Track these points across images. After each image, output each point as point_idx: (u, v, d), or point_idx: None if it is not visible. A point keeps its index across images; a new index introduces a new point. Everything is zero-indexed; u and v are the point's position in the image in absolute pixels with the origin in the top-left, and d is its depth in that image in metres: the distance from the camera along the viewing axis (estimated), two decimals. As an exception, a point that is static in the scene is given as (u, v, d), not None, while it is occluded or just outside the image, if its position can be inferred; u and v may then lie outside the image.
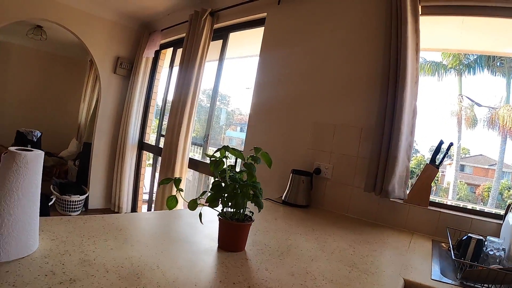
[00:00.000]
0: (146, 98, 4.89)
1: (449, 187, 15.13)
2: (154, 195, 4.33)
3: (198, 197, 1.17)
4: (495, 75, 14.14)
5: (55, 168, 6.16)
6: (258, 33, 3.22)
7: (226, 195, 1.16)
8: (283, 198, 2.37)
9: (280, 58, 2.91)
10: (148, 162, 5.35)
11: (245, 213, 1.22)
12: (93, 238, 1.13)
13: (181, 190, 1.19)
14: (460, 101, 15.00)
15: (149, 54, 4.62)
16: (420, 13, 2.16)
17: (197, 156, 4.08)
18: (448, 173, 16.07)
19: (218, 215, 1.20)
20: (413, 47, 2.12)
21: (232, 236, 1.20)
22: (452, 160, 15.31)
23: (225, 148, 1.16)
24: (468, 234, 1.51)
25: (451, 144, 2.21)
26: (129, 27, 4.94)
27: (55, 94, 7.35)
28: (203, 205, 1.18)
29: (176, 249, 1.17)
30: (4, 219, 0.87)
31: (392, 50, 2.12)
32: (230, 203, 1.17)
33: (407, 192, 2.12)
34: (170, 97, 4.18)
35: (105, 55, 4.77)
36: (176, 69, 3.95)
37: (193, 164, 3.73)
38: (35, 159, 0.92)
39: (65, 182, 5.19)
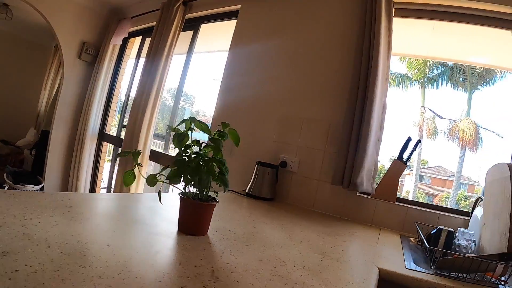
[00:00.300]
0: (110, 87, 4.67)
1: (407, 196, 15.63)
2: (112, 190, 4.13)
3: (158, 173, 1.06)
4: (458, 89, 14.78)
5: (10, 157, 5.79)
6: (228, 27, 3.15)
7: (189, 171, 1.06)
8: (246, 190, 2.29)
9: (250, 52, 2.84)
10: (108, 158, 5.11)
11: (209, 194, 1.12)
12: (38, 212, 1.00)
13: (140, 165, 1.08)
14: (423, 112, 15.56)
15: (116, 41, 4.42)
16: (393, 14, 2.17)
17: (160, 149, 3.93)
18: (407, 183, 16.58)
19: (179, 194, 1.10)
20: (385, 44, 2.12)
21: (194, 218, 1.10)
22: (412, 170, 15.85)
23: (192, 119, 1.06)
24: (438, 227, 1.49)
25: (418, 141, 2.22)
26: (98, 12, 4.71)
27: (15, 79, 6.86)
28: (163, 182, 1.07)
29: (131, 230, 1.06)
30: None
31: (365, 47, 2.12)
32: (193, 181, 1.07)
33: (375, 187, 2.10)
34: (133, 92, 4.00)
35: (71, 38, 4.52)
36: (142, 61, 3.79)
37: (155, 156, 3.58)
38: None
39: (20, 171, 4.87)
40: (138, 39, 4.63)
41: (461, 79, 14.47)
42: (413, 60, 14.27)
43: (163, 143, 3.81)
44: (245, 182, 2.38)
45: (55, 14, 4.35)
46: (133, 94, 4.13)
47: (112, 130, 4.76)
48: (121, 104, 4.88)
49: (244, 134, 2.53)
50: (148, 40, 4.03)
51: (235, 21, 3.02)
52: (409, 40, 3.23)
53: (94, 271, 0.71)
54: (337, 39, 2.37)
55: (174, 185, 1.08)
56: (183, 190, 1.10)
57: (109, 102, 4.69)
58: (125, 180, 1.06)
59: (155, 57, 3.45)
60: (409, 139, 2.21)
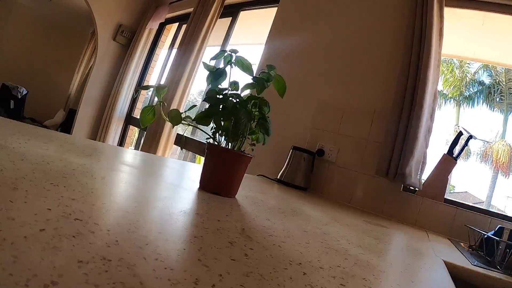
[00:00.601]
0: (142, 71, 4.57)
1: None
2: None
3: (185, 111, 0.86)
4: (493, 110, 14.07)
5: (35, 136, 5.76)
6: (266, 15, 2.96)
7: (223, 112, 0.84)
8: (278, 177, 2.06)
9: (290, 38, 2.63)
10: (133, 142, 5.00)
11: (242, 149, 0.91)
12: (29, 137, 0.81)
13: (163, 103, 0.88)
14: (456, 131, 14.83)
15: (153, 25, 4.33)
16: (444, 1, 1.95)
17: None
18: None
19: (206, 139, 0.89)
20: (437, 30, 1.91)
21: (222, 172, 0.88)
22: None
23: (233, 51, 0.85)
24: (499, 226, 1.25)
25: (470, 137, 1.94)
26: None
27: (50, 61, 6.91)
28: (189, 124, 0.86)
29: (140, 177, 0.86)
30: None
31: (416, 30, 1.91)
32: (224, 131, 0.85)
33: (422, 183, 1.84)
34: (163, 81, 3.84)
35: (107, 19, 4.48)
36: (175, 51, 3.66)
37: (180, 141, 3.40)
38: None
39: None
40: (174, 27, 4.53)
41: (498, 99, 13.83)
42: (450, 77, 13.75)
43: (190, 128, 3.63)
44: (276, 170, 2.16)
45: None
46: (163, 82, 3.99)
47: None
48: (151, 90, 4.76)
49: (279, 120, 2.33)
50: (184, 28, 3.90)
51: (275, 8, 2.83)
52: (456, 37, 2.97)
53: (67, 193, 0.51)
54: (385, 23, 2.15)
55: (202, 129, 0.86)
56: (212, 136, 0.88)
57: (139, 85, 4.59)
58: (142, 118, 0.86)
59: (189, 45, 3.30)
60: (460, 134, 1.95)
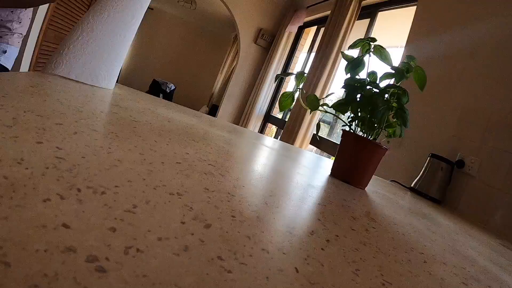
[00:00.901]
0: (282, 72, 4.79)
1: None
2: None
3: (322, 97, 0.89)
4: None
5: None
6: (404, 17, 2.78)
7: (361, 100, 0.85)
8: (412, 185, 1.94)
9: (431, 37, 2.43)
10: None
11: (377, 140, 0.90)
12: (178, 111, 0.95)
13: (302, 89, 0.93)
14: None
15: (292, 29, 4.50)
16: None
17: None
18: None
19: (342, 126, 0.91)
20: None
21: (354, 160, 0.89)
22: None
23: (371, 39, 0.86)
24: None
25: None
26: (275, 2, 4.93)
27: (196, 62, 8.04)
28: (326, 111, 0.89)
29: (276, 155, 0.92)
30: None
31: None
32: (363, 112, 0.86)
33: None
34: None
35: (248, 24, 4.86)
36: (313, 55, 3.73)
37: (316, 141, 3.44)
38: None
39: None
40: (313, 30, 4.61)
41: None
42: None
43: (327, 130, 3.66)
44: (409, 178, 2.03)
45: (237, 3, 4.75)
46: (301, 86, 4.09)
47: (279, 113, 4.88)
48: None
49: (416, 124, 2.18)
50: (322, 31, 3.96)
51: (414, 7, 2.65)
52: None
53: (205, 148, 0.58)
54: None
55: (339, 117, 0.89)
56: (348, 123, 0.90)
57: (279, 86, 4.82)
58: (281, 102, 0.93)
59: (327, 49, 3.32)
60: None
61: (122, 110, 0.68)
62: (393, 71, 0.86)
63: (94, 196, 0.26)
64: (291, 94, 0.94)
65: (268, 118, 4.80)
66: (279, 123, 4.59)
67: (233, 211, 0.35)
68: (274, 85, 4.72)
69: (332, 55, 3.27)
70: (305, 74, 0.95)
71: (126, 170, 0.35)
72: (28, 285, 0.14)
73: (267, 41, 4.97)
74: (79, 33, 0.87)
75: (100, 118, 0.55)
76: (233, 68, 5.64)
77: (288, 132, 3.44)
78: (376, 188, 1.09)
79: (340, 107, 0.87)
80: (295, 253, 0.30)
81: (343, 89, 0.87)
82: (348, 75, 0.90)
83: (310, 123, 3.30)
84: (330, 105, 0.90)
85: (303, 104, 0.94)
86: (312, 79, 3.34)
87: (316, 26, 4.54)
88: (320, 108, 0.90)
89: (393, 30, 3.72)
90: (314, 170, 0.92)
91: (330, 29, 3.39)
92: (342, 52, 0.93)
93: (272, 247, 0.29)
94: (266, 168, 0.67)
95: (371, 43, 0.86)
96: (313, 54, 4.04)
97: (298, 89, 0.93)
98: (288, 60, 4.80)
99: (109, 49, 0.90)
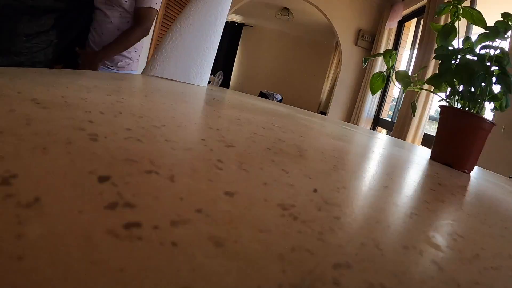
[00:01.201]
0: (387, 73, 4.53)
1: None
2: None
3: (413, 75, 0.81)
4: None
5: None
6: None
7: (456, 69, 0.75)
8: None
9: None
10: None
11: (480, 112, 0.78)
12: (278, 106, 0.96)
13: (393, 69, 0.86)
14: None
15: (391, 25, 4.23)
16: None
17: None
18: None
19: (439, 101, 0.81)
20: None
21: (457, 139, 0.78)
22: None
23: (458, 1, 0.75)
24: None
25: None
26: (370, 0, 4.70)
27: (300, 72, 8.13)
28: (420, 88, 0.81)
29: (374, 139, 0.86)
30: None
31: None
32: (460, 81, 0.75)
33: None
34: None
35: (347, 27, 4.72)
36: (416, 51, 3.42)
37: (428, 141, 3.15)
38: None
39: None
40: (414, 23, 4.27)
41: None
42: None
43: (435, 126, 3.33)
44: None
45: (332, 7, 4.65)
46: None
47: (387, 115, 4.62)
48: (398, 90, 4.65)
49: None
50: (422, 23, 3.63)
51: None
52: None
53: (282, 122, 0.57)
54: None
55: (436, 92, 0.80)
56: (446, 99, 0.80)
57: (386, 87, 4.56)
58: (372, 85, 0.87)
59: (428, 42, 3.02)
60: None
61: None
62: (488, 32, 0.74)
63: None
64: (382, 74, 0.87)
65: (377, 121, 4.56)
66: (388, 125, 4.31)
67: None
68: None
69: (434, 48, 2.95)
70: (395, 52, 0.88)
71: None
72: None
73: (368, 41, 4.76)
74: (169, 38, 0.96)
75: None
76: (338, 73, 5.53)
77: (397, 134, 3.22)
78: (486, 176, 0.94)
79: (434, 80, 0.78)
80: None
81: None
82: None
83: (420, 122, 3.03)
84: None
85: (395, 83, 0.87)
86: (419, 67, 3.08)
87: (415, 19, 4.19)
88: (413, 86, 0.82)
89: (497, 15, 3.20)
90: (414, 153, 0.84)
91: (429, 19, 3.08)
92: (432, 24, 0.84)
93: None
94: (353, 145, 0.63)
95: (459, 5, 0.75)
96: (416, 51, 3.72)
97: (390, 70, 0.87)
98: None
99: (197, 50, 0.96)
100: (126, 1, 1.46)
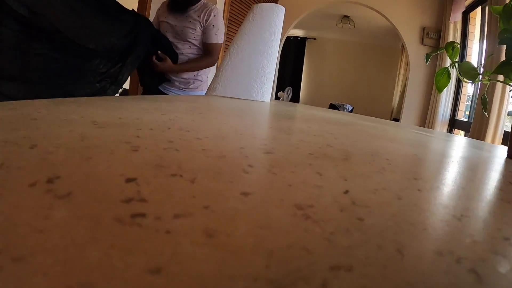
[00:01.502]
0: (452, 67, 4.15)
1: None
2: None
3: (480, 64, 0.74)
4: None
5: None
6: None
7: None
8: None
9: None
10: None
11: None
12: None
13: (457, 63, 0.79)
14: None
15: (456, 17, 3.87)
16: None
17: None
18: None
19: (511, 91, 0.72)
20: None
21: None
22: None
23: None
24: None
25: None
26: None
27: (368, 80, 7.79)
28: (489, 79, 0.73)
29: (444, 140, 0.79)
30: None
31: None
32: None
33: None
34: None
35: (410, 27, 4.43)
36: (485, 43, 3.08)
37: (506, 139, 2.80)
38: None
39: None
40: (479, 13, 3.86)
41: None
42: None
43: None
44: None
45: (392, 9, 4.40)
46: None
47: (464, 116, 4.23)
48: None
49: None
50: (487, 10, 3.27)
51: None
52: None
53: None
54: None
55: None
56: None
57: (458, 87, 4.20)
58: (437, 82, 0.80)
59: (497, 31, 2.71)
60: None
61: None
62: None
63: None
64: (446, 69, 0.81)
65: (453, 123, 4.18)
66: (465, 126, 3.93)
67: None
68: (453, 87, 4.11)
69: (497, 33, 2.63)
70: (457, 44, 0.80)
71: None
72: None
73: (434, 39, 4.41)
74: (228, 59, 0.99)
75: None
76: (407, 76, 5.21)
77: (474, 134, 2.92)
78: None
79: (502, 68, 0.69)
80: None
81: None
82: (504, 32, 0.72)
83: (498, 119, 2.71)
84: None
85: (460, 77, 0.79)
86: (486, 68, 2.77)
87: (480, 7, 3.79)
88: (480, 78, 0.74)
89: None
90: (488, 151, 0.75)
91: (494, 3, 2.76)
92: (492, 7, 0.75)
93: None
94: (412, 146, 0.59)
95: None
96: (485, 42, 3.36)
97: (453, 63, 0.79)
98: (462, 53, 4.12)
99: (256, 67, 0.98)
100: (194, 37, 1.69)
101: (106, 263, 0.13)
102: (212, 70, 1.80)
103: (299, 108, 1.08)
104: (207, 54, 1.70)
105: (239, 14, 3.08)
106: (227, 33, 2.91)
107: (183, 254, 0.14)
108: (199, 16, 1.65)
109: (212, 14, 1.66)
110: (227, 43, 2.89)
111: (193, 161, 0.27)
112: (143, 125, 0.40)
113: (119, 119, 0.42)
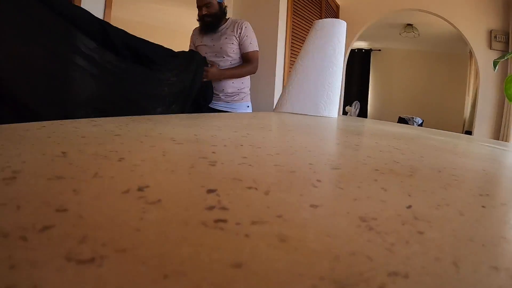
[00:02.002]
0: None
1: None
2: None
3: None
4: None
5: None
6: None
7: None
8: None
9: None
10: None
11: None
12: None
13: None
14: None
15: None
16: None
17: None
18: None
19: None
20: None
21: None
22: None
23: None
24: None
25: None
26: None
27: (437, 90, 7.23)
28: None
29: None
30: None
31: None
32: None
33: None
34: None
35: (476, 30, 4.03)
36: None
37: None
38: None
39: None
40: None
41: None
42: None
43: None
44: None
45: (456, 13, 4.06)
46: None
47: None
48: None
49: None
50: None
51: None
52: None
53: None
54: None
55: None
56: None
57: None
58: (506, 90, 0.75)
59: None
60: None
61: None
62: None
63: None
64: (515, 82, 0.75)
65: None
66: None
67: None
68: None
69: None
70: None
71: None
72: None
73: (503, 42, 3.96)
74: (294, 76, 1.01)
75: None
76: (478, 85, 4.75)
77: None
78: None
79: None
80: None
81: None
82: None
83: None
84: None
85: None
86: None
87: None
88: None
89: None
90: None
91: None
92: None
93: None
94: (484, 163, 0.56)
95: None
96: None
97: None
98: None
99: (322, 83, 0.99)
100: (233, 51, 1.80)
101: (196, 258, 0.15)
102: (253, 83, 1.92)
103: (367, 123, 1.07)
104: (248, 62, 1.81)
105: (302, 30, 3.09)
106: (290, 49, 2.94)
107: (260, 254, 0.16)
108: (232, 32, 1.78)
109: (244, 27, 1.78)
110: (292, 59, 2.92)
111: (266, 176, 0.30)
112: (217, 141, 0.43)
113: (195, 135, 0.47)
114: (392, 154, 0.51)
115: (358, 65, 7.69)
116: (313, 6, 3.30)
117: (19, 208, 0.18)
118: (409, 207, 0.26)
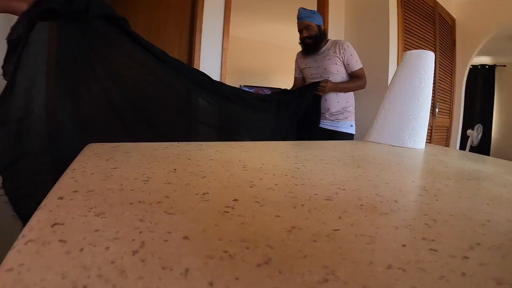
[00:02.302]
0: None
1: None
2: None
3: None
4: None
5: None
6: None
7: None
8: None
9: None
10: None
11: None
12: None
13: None
14: None
15: None
16: None
17: None
18: None
19: None
20: None
21: None
22: None
23: None
24: None
25: None
26: None
27: None
28: None
29: None
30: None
31: None
32: None
33: None
34: None
35: None
36: None
37: None
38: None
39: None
40: None
41: None
42: None
43: None
44: None
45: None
46: None
47: None
48: None
49: None
50: None
51: None
52: None
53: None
54: None
55: None
56: None
57: None
58: None
59: None
60: None
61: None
62: None
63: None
64: None
65: None
66: None
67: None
68: None
69: None
70: None
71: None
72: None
73: None
74: (382, 106, 1.05)
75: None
76: None
77: None
78: None
79: None
80: None
81: None
82: None
83: None
84: None
85: None
86: None
87: None
88: None
89: None
90: None
91: None
92: None
93: None
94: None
95: None
96: None
97: None
98: None
99: (408, 114, 1.00)
100: (337, 70, 1.83)
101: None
102: (362, 101, 1.85)
103: (464, 162, 0.79)
104: (358, 78, 1.84)
105: (415, 48, 2.88)
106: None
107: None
108: (334, 52, 1.81)
109: (346, 46, 1.81)
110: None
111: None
112: (271, 170, 0.51)
113: (258, 161, 0.57)
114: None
115: (480, 83, 6.52)
116: (425, 22, 3.03)
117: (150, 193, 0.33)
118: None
